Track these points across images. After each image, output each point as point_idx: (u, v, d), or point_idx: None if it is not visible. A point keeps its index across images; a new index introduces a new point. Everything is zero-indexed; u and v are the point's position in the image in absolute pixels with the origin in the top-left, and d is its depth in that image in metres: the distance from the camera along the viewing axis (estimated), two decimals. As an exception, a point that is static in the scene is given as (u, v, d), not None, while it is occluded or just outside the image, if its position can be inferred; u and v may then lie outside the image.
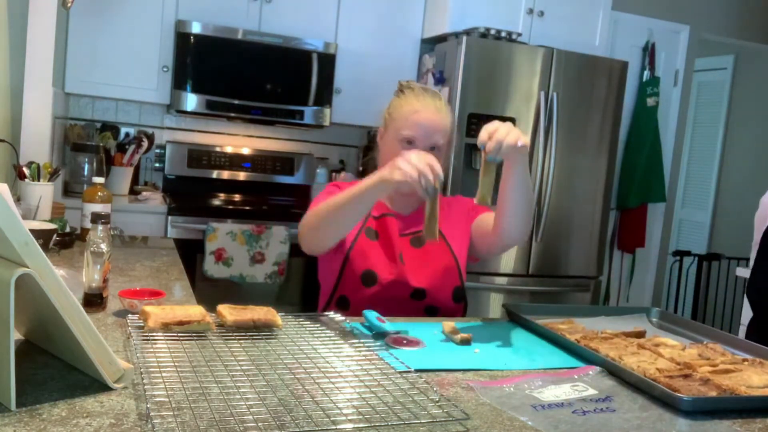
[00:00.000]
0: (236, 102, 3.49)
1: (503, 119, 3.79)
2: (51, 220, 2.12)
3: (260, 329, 1.32)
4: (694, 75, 4.86)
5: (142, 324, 1.25)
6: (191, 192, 3.69)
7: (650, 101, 4.37)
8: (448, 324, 1.49)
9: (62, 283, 0.97)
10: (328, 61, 3.61)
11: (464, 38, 3.34)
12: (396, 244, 1.75)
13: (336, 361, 1.19)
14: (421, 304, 1.73)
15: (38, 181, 2.24)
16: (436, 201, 1.45)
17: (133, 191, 3.54)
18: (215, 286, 3.22)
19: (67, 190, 3.28)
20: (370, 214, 1.78)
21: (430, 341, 1.41)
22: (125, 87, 3.41)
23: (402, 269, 1.72)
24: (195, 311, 1.28)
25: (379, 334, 1.40)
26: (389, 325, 1.43)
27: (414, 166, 1.41)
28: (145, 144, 3.56)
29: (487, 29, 3.46)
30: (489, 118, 3.40)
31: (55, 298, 0.95)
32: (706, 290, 5.23)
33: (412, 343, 1.37)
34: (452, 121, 1.79)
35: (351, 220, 1.60)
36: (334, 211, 1.57)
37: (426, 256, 1.77)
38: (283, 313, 1.41)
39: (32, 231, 0.98)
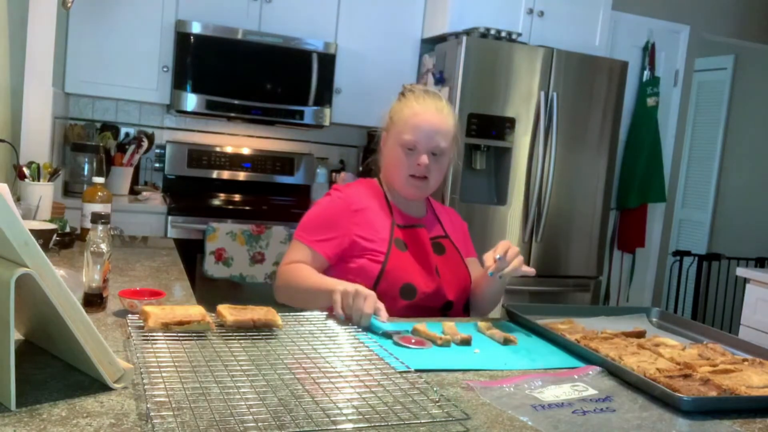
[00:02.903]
0: (236, 102, 3.49)
1: (503, 119, 3.80)
2: (51, 220, 2.12)
3: (260, 329, 1.32)
4: (694, 75, 4.86)
5: (142, 324, 1.24)
6: (191, 192, 3.69)
7: (650, 101, 4.37)
8: (448, 324, 1.49)
9: (62, 283, 0.97)
10: (328, 61, 3.61)
11: (464, 38, 3.34)
12: (431, 257, 1.75)
13: (336, 361, 1.19)
14: (443, 315, 1.74)
15: (38, 181, 2.24)
16: None
17: (133, 191, 3.54)
18: (215, 286, 3.22)
19: (67, 190, 3.28)
20: (394, 223, 1.76)
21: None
22: (125, 87, 3.41)
23: (439, 282, 1.72)
24: (195, 311, 1.28)
25: (386, 334, 1.40)
26: (391, 325, 1.44)
27: (347, 307, 1.45)
28: (145, 144, 3.56)
29: (487, 29, 3.46)
30: (489, 118, 3.45)
31: (55, 298, 0.95)
32: (706, 290, 5.23)
33: (419, 342, 1.37)
34: (455, 123, 1.78)
35: (313, 305, 1.59)
36: (301, 294, 1.63)
37: (450, 266, 1.78)
38: (283, 313, 1.41)
39: (32, 231, 0.98)
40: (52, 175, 2.31)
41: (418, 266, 1.72)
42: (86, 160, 3.29)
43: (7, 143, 2.52)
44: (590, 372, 1.27)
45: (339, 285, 1.48)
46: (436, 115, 1.73)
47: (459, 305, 1.77)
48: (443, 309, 1.73)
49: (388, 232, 1.73)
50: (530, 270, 1.59)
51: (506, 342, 1.44)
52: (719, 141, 5.69)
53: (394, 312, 1.64)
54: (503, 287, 1.77)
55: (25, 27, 2.67)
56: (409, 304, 1.68)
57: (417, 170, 1.72)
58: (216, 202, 3.59)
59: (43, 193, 2.21)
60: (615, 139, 3.67)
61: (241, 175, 3.81)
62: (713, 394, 1.16)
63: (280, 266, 1.72)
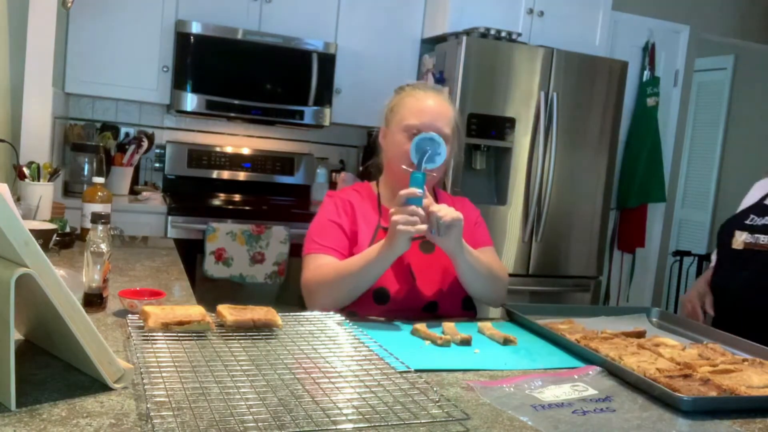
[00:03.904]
0: (236, 102, 3.49)
1: (503, 119, 3.80)
2: (51, 220, 2.12)
3: (260, 329, 1.32)
4: (694, 75, 4.86)
5: (142, 324, 1.24)
6: (191, 192, 3.69)
7: (650, 101, 4.37)
8: (448, 324, 1.49)
9: (62, 283, 0.97)
10: (328, 61, 3.61)
11: (464, 38, 3.34)
12: (405, 257, 1.69)
13: (336, 361, 1.19)
14: (432, 315, 1.71)
15: (38, 181, 2.24)
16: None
17: (133, 191, 3.54)
18: (215, 286, 3.22)
19: (67, 190, 3.28)
20: (379, 226, 1.74)
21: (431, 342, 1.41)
22: (125, 87, 3.41)
23: (414, 284, 1.70)
24: (195, 311, 1.28)
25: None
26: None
27: (404, 220, 1.49)
28: (145, 144, 3.56)
29: (487, 29, 3.46)
30: (489, 118, 3.45)
31: (55, 298, 0.95)
32: (706, 290, 5.22)
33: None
34: (455, 113, 1.78)
35: (369, 282, 1.61)
36: (350, 277, 1.60)
37: (436, 264, 1.73)
38: (283, 313, 1.41)
39: (32, 231, 0.98)
40: (52, 175, 2.31)
41: (395, 269, 1.67)
42: (86, 160, 3.29)
43: (7, 143, 2.52)
44: (590, 372, 1.27)
45: (379, 247, 1.56)
46: (437, 101, 1.75)
47: (446, 304, 1.73)
48: (427, 309, 1.71)
49: (371, 236, 1.72)
50: (454, 213, 1.57)
51: (506, 342, 1.44)
52: (719, 141, 5.68)
53: (373, 315, 1.65)
54: (467, 259, 1.64)
55: (25, 27, 2.67)
56: (385, 308, 1.66)
57: None
58: (216, 202, 3.59)
59: (43, 193, 2.21)
60: (615, 139, 3.67)
61: (241, 175, 3.82)
62: (713, 394, 1.16)
63: (305, 277, 1.68)
